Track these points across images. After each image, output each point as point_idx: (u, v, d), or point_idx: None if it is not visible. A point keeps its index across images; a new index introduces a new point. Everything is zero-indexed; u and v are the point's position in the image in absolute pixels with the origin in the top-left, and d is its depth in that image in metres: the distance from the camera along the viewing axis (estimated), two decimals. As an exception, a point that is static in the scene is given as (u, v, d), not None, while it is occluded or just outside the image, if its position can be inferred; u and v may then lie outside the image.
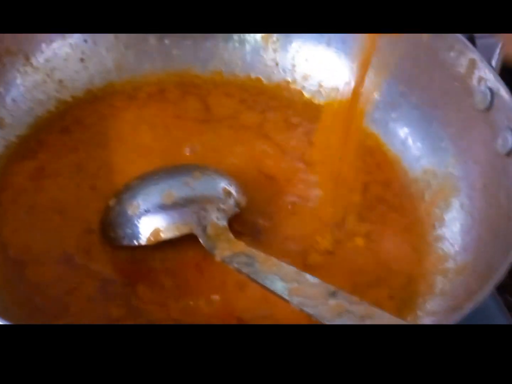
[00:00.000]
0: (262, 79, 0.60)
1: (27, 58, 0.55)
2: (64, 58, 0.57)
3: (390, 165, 0.54)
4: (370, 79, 0.57)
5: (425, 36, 0.54)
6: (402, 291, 0.46)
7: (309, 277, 0.40)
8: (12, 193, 0.49)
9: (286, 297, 0.38)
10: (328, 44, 0.59)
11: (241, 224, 0.48)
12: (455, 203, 0.50)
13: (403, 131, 0.55)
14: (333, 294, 0.38)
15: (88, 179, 0.51)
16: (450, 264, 0.47)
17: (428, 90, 0.54)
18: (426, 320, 0.44)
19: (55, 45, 0.56)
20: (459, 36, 0.52)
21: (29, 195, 0.49)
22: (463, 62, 0.51)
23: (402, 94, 0.56)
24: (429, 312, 0.45)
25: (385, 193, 0.52)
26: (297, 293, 0.39)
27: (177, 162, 0.52)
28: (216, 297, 0.45)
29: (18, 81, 0.54)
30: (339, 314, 0.37)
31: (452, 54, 0.52)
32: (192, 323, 0.42)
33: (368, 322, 0.36)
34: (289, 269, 0.41)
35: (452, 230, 0.49)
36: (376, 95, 0.57)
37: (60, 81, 0.56)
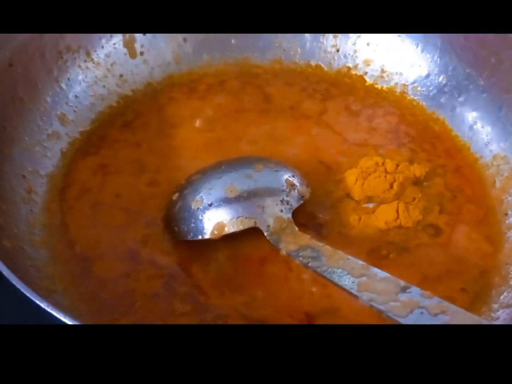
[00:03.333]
0: (323, 66, 0.59)
1: (88, 54, 0.55)
2: (124, 52, 0.57)
3: (459, 151, 0.53)
4: (435, 62, 0.55)
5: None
6: (475, 284, 0.45)
7: (377, 271, 0.39)
8: (77, 189, 0.50)
9: (356, 293, 0.37)
10: (390, 27, 0.57)
11: (303, 216, 0.47)
12: (528, 190, 0.48)
13: (471, 116, 0.53)
14: (404, 289, 0.37)
15: (150, 174, 0.51)
16: (525, 254, 0.46)
17: (497, 72, 0.52)
18: (501, 313, 0.42)
19: (115, 39, 0.56)
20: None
21: (93, 192, 0.49)
22: (535, 42, 0.48)
23: (468, 77, 0.54)
24: (504, 304, 0.43)
25: (460, 183, 0.50)
26: (366, 288, 0.38)
27: (238, 154, 0.51)
28: (280, 291, 0.44)
29: (80, 77, 0.54)
30: (411, 310, 0.35)
31: (523, 33, 0.49)
32: (258, 318, 0.41)
33: (442, 318, 0.35)
34: (357, 263, 0.40)
35: (526, 218, 0.47)
36: (441, 79, 0.55)
37: (121, 76, 0.56)
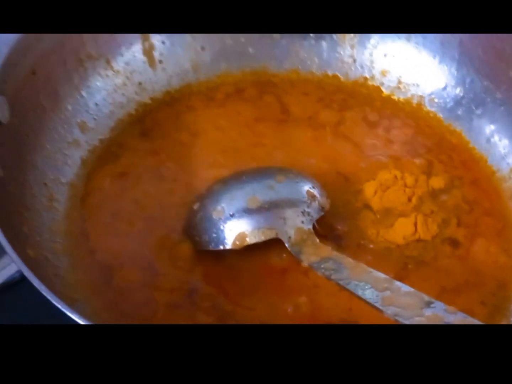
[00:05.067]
0: (340, 76, 0.59)
1: (108, 62, 0.55)
2: (143, 60, 0.57)
3: (476, 163, 0.53)
4: (452, 74, 0.56)
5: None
6: (493, 296, 0.45)
7: (401, 285, 0.39)
8: (97, 197, 0.50)
9: (380, 307, 0.38)
10: (408, 39, 0.57)
11: (322, 228, 0.47)
12: (546, 203, 0.49)
13: (488, 129, 0.54)
14: (428, 304, 0.37)
15: (168, 183, 0.51)
16: (542, 268, 0.46)
17: (515, 85, 0.52)
18: (520, 327, 0.43)
19: (134, 48, 0.57)
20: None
21: (113, 200, 0.50)
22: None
23: (486, 90, 0.54)
24: (523, 318, 0.44)
25: (478, 195, 0.50)
26: (391, 302, 0.38)
27: (256, 163, 0.52)
28: (302, 302, 0.44)
29: (100, 84, 0.55)
30: (435, 326, 0.36)
31: (541, 47, 0.50)
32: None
33: (466, 334, 0.35)
34: (380, 277, 0.40)
35: (544, 231, 0.48)
36: (459, 91, 0.55)
37: (140, 84, 0.57)
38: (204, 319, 0.43)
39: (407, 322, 0.36)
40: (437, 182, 0.51)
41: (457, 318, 0.36)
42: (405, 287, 0.39)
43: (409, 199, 0.49)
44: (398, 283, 0.39)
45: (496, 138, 0.53)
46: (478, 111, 0.54)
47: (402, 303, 0.38)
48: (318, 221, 0.47)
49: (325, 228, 0.48)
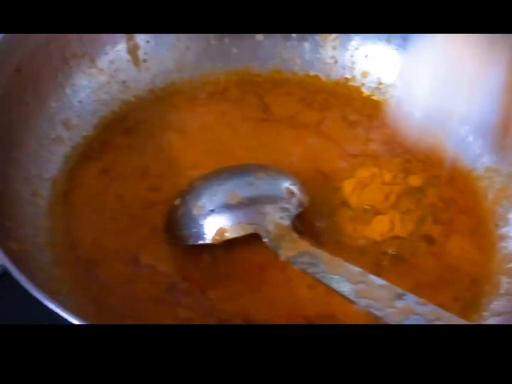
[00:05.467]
0: (321, 76, 0.60)
1: (93, 60, 0.56)
2: (127, 59, 0.58)
3: (453, 163, 0.54)
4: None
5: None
6: (467, 292, 0.46)
7: (375, 278, 0.40)
8: (80, 193, 0.51)
9: (354, 299, 0.39)
10: (389, 41, 0.59)
11: (301, 224, 0.48)
12: (520, 203, 0.50)
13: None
14: (400, 296, 0.38)
15: (152, 180, 0.52)
16: (515, 264, 0.47)
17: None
18: (492, 321, 0.44)
19: (118, 47, 0.57)
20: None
21: (96, 196, 0.51)
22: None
23: (463, 90, 0.55)
24: (495, 312, 0.45)
25: (454, 193, 0.52)
26: (364, 295, 0.39)
27: (238, 161, 0.53)
28: (279, 296, 0.45)
29: (84, 82, 0.56)
30: (407, 317, 0.37)
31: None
32: (259, 322, 0.43)
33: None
34: (355, 270, 0.41)
35: (517, 229, 0.49)
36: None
37: (124, 82, 0.58)
38: (184, 314, 0.44)
39: (379, 314, 0.37)
40: (415, 180, 0.52)
41: (428, 309, 0.37)
42: (379, 280, 0.40)
43: (387, 197, 0.50)
44: (372, 277, 0.40)
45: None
46: (453, 112, 0.55)
47: (375, 295, 0.39)
48: (297, 217, 0.48)
49: (304, 225, 0.48)
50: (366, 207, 0.50)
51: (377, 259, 0.47)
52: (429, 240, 0.49)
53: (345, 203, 0.51)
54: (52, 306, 0.37)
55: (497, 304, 0.45)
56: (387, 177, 0.51)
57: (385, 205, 0.50)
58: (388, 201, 0.50)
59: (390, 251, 0.47)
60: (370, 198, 0.50)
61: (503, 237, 0.49)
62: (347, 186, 0.51)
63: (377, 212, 0.50)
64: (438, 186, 0.52)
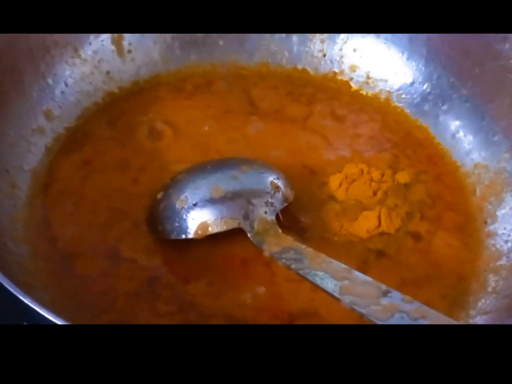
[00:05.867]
0: (309, 70, 0.59)
1: (76, 50, 0.55)
2: (112, 49, 0.57)
3: (441, 158, 0.53)
4: (420, 70, 0.56)
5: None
6: (453, 290, 0.45)
7: (359, 275, 0.39)
8: (60, 186, 0.50)
9: (338, 296, 0.38)
10: (377, 35, 0.58)
11: (286, 219, 0.47)
12: (508, 199, 0.49)
13: (453, 124, 0.54)
14: (385, 294, 0.37)
15: (134, 173, 0.51)
16: (503, 262, 0.46)
17: (480, 82, 0.53)
18: (479, 319, 0.43)
19: (103, 36, 0.56)
20: (514, 26, 0.50)
21: (77, 188, 0.49)
22: (519, 54, 0.49)
23: (452, 86, 0.55)
24: (482, 311, 0.44)
25: (441, 190, 0.51)
26: (348, 291, 0.38)
27: (222, 155, 0.52)
28: (263, 292, 0.44)
29: (67, 73, 0.54)
30: (392, 315, 0.36)
31: (507, 45, 0.50)
32: (242, 317, 0.42)
33: (422, 323, 0.35)
34: (339, 266, 0.40)
35: (505, 226, 0.48)
36: (426, 87, 0.56)
37: (108, 73, 0.56)
38: (164, 308, 0.43)
39: (363, 311, 0.36)
40: (403, 177, 0.51)
41: (413, 307, 0.36)
42: (363, 277, 0.39)
43: (374, 193, 0.50)
44: (356, 273, 0.39)
45: (461, 133, 0.53)
46: (444, 107, 0.55)
47: (360, 292, 0.38)
48: (282, 212, 0.47)
49: (289, 220, 0.48)
50: (353, 202, 0.49)
51: (363, 256, 0.46)
52: (416, 236, 0.48)
53: (331, 199, 0.50)
54: (26, 301, 0.36)
55: (484, 303, 0.44)
56: (375, 174, 0.50)
57: (372, 201, 0.49)
58: (375, 197, 0.49)
59: (376, 247, 0.46)
60: (357, 194, 0.49)
61: (491, 234, 0.48)
62: (334, 182, 0.50)
63: (364, 208, 0.49)
64: (426, 182, 0.51)
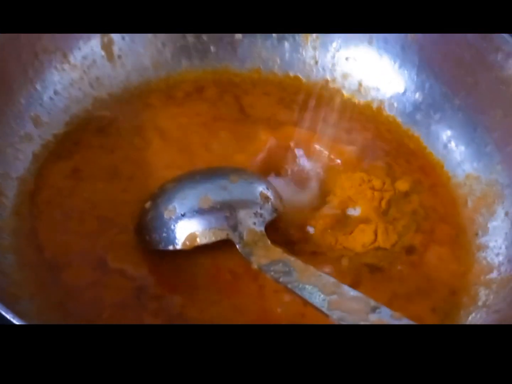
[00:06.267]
0: (301, 77, 0.59)
1: (65, 56, 0.54)
2: (101, 55, 0.56)
3: (433, 169, 0.53)
4: (412, 79, 0.56)
5: (469, 36, 0.52)
6: (445, 303, 0.45)
7: (348, 289, 0.39)
8: (48, 194, 0.49)
9: (326, 311, 0.37)
10: (370, 42, 0.57)
11: (275, 232, 0.47)
12: (500, 211, 0.49)
13: (445, 134, 0.54)
14: (374, 309, 0.37)
15: (123, 181, 0.50)
16: (493, 275, 0.46)
17: (473, 92, 0.53)
18: (469, 334, 0.43)
19: (92, 42, 0.55)
20: (507, 37, 0.50)
21: (65, 197, 0.49)
22: (511, 65, 0.49)
23: (445, 95, 0.54)
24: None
25: (434, 201, 0.50)
26: (337, 307, 0.38)
27: (212, 163, 0.51)
28: (251, 305, 0.44)
29: (56, 78, 0.54)
30: (380, 331, 0.35)
31: (499, 56, 0.50)
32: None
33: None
34: (328, 280, 0.40)
35: (496, 239, 0.48)
36: (418, 96, 0.55)
37: (97, 79, 0.56)
38: (150, 320, 0.42)
39: (352, 327, 0.36)
40: (402, 185, 0.51)
41: (402, 324, 0.36)
42: (352, 292, 0.39)
43: (379, 203, 0.49)
44: (345, 287, 0.39)
45: (452, 144, 0.53)
46: (436, 117, 0.54)
47: (348, 307, 0.37)
48: (271, 224, 0.46)
49: (278, 233, 0.47)
50: (353, 213, 0.48)
51: (356, 270, 0.46)
52: (409, 250, 0.47)
53: (325, 210, 0.49)
54: (10, 316, 0.35)
55: (474, 317, 0.44)
56: (377, 182, 0.49)
57: (374, 212, 0.48)
58: (379, 208, 0.49)
59: (371, 262, 0.46)
60: (359, 203, 0.49)
61: (482, 247, 0.48)
62: (328, 192, 0.50)
63: (362, 221, 0.48)
64: (420, 193, 0.51)
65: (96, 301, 0.43)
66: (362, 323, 0.36)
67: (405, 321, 0.36)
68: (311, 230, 0.48)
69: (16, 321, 0.35)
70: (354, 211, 0.49)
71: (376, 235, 0.47)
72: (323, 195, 0.50)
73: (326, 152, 0.54)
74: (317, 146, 0.54)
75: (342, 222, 0.48)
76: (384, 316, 0.36)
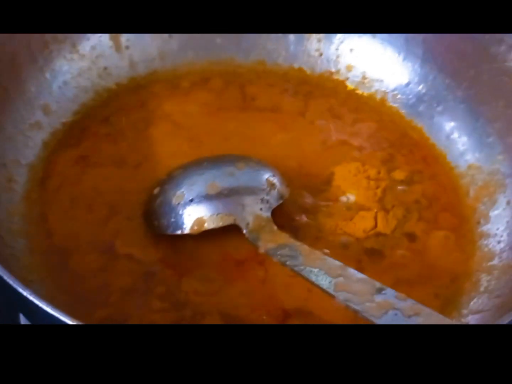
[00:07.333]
0: (305, 69, 0.60)
1: (74, 45, 0.55)
2: (109, 45, 0.57)
3: (435, 159, 0.54)
4: (416, 71, 0.56)
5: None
6: (447, 289, 0.46)
7: (354, 272, 0.40)
8: (57, 181, 0.50)
9: (333, 293, 0.38)
10: (374, 35, 0.58)
11: (280, 217, 0.47)
12: (501, 200, 0.50)
13: (448, 125, 0.55)
14: (379, 291, 0.38)
15: (130, 168, 0.51)
16: (495, 262, 0.47)
17: (476, 84, 0.53)
18: (471, 318, 0.43)
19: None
20: (510, 29, 0.51)
21: (73, 184, 0.50)
22: (514, 56, 0.50)
23: (448, 87, 0.55)
24: (474, 310, 0.44)
25: (437, 190, 0.51)
26: (343, 288, 0.38)
27: (218, 151, 0.52)
28: (257, 289, 0.44)
29: (65, 68, 0.55)
30: (385, 312, 0.36)
31: (502, 48, 0.51)
32: (236, 315, 0.42)
33: (415, 320, 0.36)
34: (334, 263, 0.41)
35: (498, 227, 0.49)
36: (421, 88, 0.56)
37: (105, 68, 0.57)
38: (158, 304, 0.43)
39: (358, 308, 0.37)
40: (399, 174, 0.52)
41: (407, 304, 0.37)
42: (358, 274, 0.39)
43: (373, 192, 0.50)
44: (351, 270, 0.40)
45: (455, 135, 0.54)
46: (439, 108, 0.55)
47: (354, 289, 0.38)
48: (276, 210, 0.47)
49: (283, 218, 0.48)
50: (349, 201, 0.49)
51: (358, 256, 0.46)
52: (411, 237, 0.48)
53: (327, 198, 0.50)
54: (25, 293, 0.36)
55: (476, 302, 0.45)
56: (372, 172, 0.50)
57: (370, 200, 0.49)
58: (374, 196, 0.49)
59: (372, 247, 0.47)
60: (354, 192, 0.50)
61: (484, 235, 0.49)
62: (329, 180, 0.51)
63: (361, 208, 0.49)
64: (422, 183, 0.52)
65: (103, 285, 0.44)
66: (367, 304, 0.37)
67: (409, 302, 0.37)
68: (313, 216, 0.49)
69: (34, 299, 0.35)
70: (350, 198, 0.50)
71: (376, 221, 0.48)
72: (322, 183, 0.51)
73: (329, 143, 0.54)
74: (320, 138, 0.55)
75: (341, 209, 0.49)
76: (389, 297, 0.37)
